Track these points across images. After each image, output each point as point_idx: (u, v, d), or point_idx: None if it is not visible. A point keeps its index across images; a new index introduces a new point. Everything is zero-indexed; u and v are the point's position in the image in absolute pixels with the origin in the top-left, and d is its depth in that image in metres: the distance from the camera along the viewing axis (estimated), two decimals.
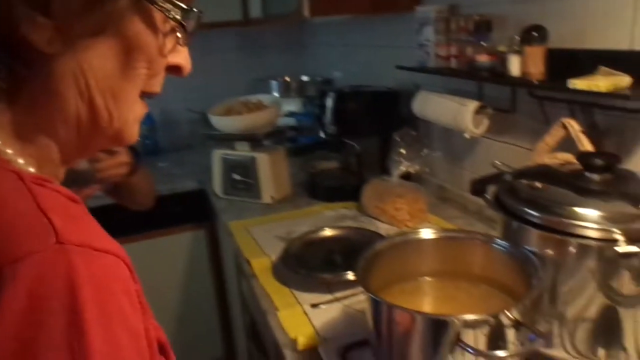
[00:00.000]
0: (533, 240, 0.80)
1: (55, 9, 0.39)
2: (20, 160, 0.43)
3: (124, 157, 1.12)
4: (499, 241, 0.81)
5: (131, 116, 0.48)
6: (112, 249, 0.38)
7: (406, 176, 1.59)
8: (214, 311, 2.22)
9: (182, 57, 0.50)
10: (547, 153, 1.11)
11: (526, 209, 0.80)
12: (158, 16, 0.44)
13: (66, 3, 0.40)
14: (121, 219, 2.00)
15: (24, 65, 0.40)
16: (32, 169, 0.43)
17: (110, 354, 0.34)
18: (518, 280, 0.77)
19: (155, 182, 2.09)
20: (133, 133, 0.50)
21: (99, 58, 0.43)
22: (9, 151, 0.42)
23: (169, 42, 0.47)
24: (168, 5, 0.44)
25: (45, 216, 0.36)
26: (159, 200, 2.05)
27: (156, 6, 0.43)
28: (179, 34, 0.46)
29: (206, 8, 1.79)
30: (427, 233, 0.82)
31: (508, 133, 1.34)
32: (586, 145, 1.02)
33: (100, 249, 0.37)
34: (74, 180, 1.08)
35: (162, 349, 0.43)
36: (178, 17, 0.45)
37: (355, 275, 0.74)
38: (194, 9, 0.46)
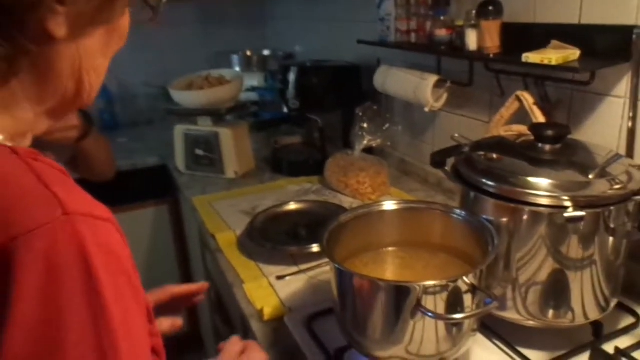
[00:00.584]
0: (489, 210, 0.84)
1: (69, 2, 0.43)
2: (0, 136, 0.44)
3: (73, 120, 1.10)
4: (457, 211, 0.84)
5: (100, 85, 0.53)
6: (108, 217, 0.41)
7: (369, 150, 1.62)
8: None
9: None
10: (502, 125, 1.16)
11: (483, 180, 0.83)
12: None
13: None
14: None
15: (32, 42, 0.42)
16: (7, 143, 0.44)
17: (121, 307, 0.38)
18: (475, 248, 0.80)
19: (116, 157, 2.06)
20: (90, 103, 0.53)
21: (92, 42, 0.47)
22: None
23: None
24: None
25: (48, 189, 0.38)
26: (119, 176, 2.01)
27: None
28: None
29: None
30: (389, 205, 0.84)
31: (466, 106, 1.38)
32: (539, 117, 1.06)
33: (100, 217, 0.40)
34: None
35: (147, 312, 0.47)
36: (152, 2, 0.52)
37: (320, 246, 0.76)
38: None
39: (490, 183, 0.82)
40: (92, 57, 0.48)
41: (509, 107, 1.13)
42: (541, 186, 0.79)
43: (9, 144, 0.44)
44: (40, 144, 1.06)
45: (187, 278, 2.20)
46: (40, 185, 0.38)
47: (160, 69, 2.54)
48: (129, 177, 2.00)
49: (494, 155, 0.90)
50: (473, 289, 0.71)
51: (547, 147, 0.86)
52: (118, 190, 2.01)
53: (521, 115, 1.11)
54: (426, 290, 0.68)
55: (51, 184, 0.38)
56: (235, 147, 1.70)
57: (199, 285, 0.88)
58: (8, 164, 0.39)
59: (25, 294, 0.34)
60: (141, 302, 0.43)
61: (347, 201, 1.48)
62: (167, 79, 2.12)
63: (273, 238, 1.21)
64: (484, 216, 0.84)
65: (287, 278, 1.09)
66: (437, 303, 0.70)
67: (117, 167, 1.97)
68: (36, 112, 0.47)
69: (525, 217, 0.81)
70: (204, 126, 1.71)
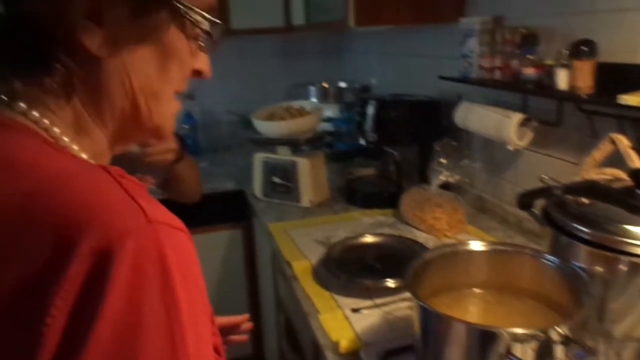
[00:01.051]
0: (582, 257, 0.81)
1: (106, 19, 0.45)
2: (83, 155, 0.49)
3: (171, 143, 1.18)
4: (548, 256, 0.81)
5: (168, 113, 0.54)
6: (183, 227, 0.45)
7: (445, 186, 1.60)
8: (245, 309, 2.26)
9: (204, 62, 0.56)
10: (594, 168, 1.11)
11: (576, 225, 0.80)
12: (189, 25, 0.50)
13: (115, 15, 0.46)
14: None
15: (78, 65, 0.46)
16: (84, 155, 0.49)
17: (190, 307, 0.42)
18: (566, 296, 0.77)
19: None
20: (170, 127, 0.56)
21: (141, 62, 0.49)
22: (75, 147, 0.48)
23: (196, 49, 0.53)
24: (198, 17, 0.50)
25: (135, 201, 0.42)
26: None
27: (189, 18, 0.50)
28: (202, 43, 0.53)
29: (249, 14, 1.85)
30: (476, 245, 0.83)
31: (553, 146, 1.33)
32: (635, 161, 1.01)
33: (176, 227, 0.44)
34: (125, 162, 1.15)
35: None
36: (206, 28, 0.51)
37: (404, 283, 0.75)
38: (219, 22, 0.52)
39: (584, 229, 0.79)
40: (145, 78, 0.50)
41: (602, 150, 1.08)
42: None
43: (91, 162, 0.49)
44: (137, 166, 1.15)
45: (254, 300, 2.24)
46: (128, 197, 0.42)
47: (241, 97, 2.67)
48: (207, 199, 2.08)
49: (588, 200, 0.87)
50: (566, 340, 0.68)
51: None
52: (196, 212, 2.11)
53: (614, 159, 1.06)
54: (516, 338, 0.66)
55: (136, 197, 0.42)
56: (311, 176, 1.74)
57: (242, 318, 0.91)
58: (102, 178, 0.44)
59: (115, 288, 0.38)
60: (207, 303, 0.46)
61: (421, 236, 1.47)
62: (247, 108, 2.22)
63: (349, 269, 1.22)
64: (576, 263, 0.81)
65: (363, 311, 1.09)
66: (525, 352, 0.67)
67: None
68: (104, 133, 0.51)
69: (623, 267, 0.77)
70: (283, 155, 1.76)
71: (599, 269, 0.79)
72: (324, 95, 2.47)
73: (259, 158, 1.82)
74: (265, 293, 2.04)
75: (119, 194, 0.42)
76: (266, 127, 1.72)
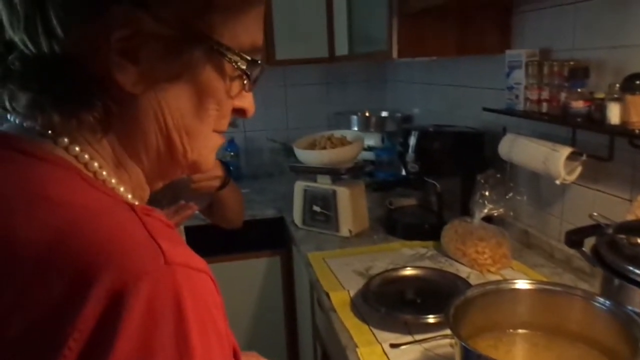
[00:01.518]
0: (637, 301, 0.77)
1: (141, 58, 0.46)
2: (121, 188, 0.50)
3: (217, 170, 1.21)
4: (600, 299, 0.78)
5: (205, 150, 0.54)
6: (203, 268, 0.45)
7: (488, 219, 1.56)
8: (282, 337, 2.25)
9: (247, 101, 0.55)
10: None
11: (630, 267, 0.76)
12: (227, 65, 0.50)
13: (150, 54, 0.46)
14: (205, 240, 2.11)
15: (114, 102, 0.47)
16: (129, 195, 0.50)
17: (205, 352, 0.41)
18: (620, 342, 0.73)
19: None
20: (208, 162, 0.56)
21: (175, 99, 0.49)
22: (113, 181, 0.49)
23: (236, 88, 0.52)
24: (236, 57, 0.50)
25: (155, 241, 0.42)
26: None
27: (226, 58, 0.49)
28: (244, 81, 0.52)
29: (294, 45, 1.90)
30: (522, 284, 0.80)
31: (604, 181, 1.29)
32: None
33: (196, 268, 0.44)
34: (171, 188, 1.18)
35: (234, 353, 0.50)
36: (244, 67, 0.50)
37: (446, 321, 0.73)
38: (258, 61, 0.52)
39: (639, 272, 0.75)
40: (180, 116, 0.50)
41: None
42: None
43: (130, 196, 0.50)
44: (182, 192, 1.17)
45: (292, 330, 2.23)
46: (149, 237, 0.42)
47: (284, 125, 2.71)
48: (247, 226, 2.10)
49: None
50: None
51: None
52: (236, 238, 2.14)
53: None
54: None
55: (158, 237, 0.43)
56: (351, 206, 1.73)
57: None
58: (126, 217, 0.44)
59: (127, 330, 0.38)
60: (224, 345, 0.45)
61: (464, 270, 1.43)
62: (289, 136, 2.26)
63: (388, 303, 1.19)
64: (630, 307, 0.77)
65: (402, 347, 1.06)
66: None
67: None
68: (141, 168, 0.52)
69: None
70: (323, 184, 1.77)
71: None
72: (365, 124, 2.48)
73: (300, 186, 1.83)
74: (302, 322, 2.02)
75: (140, 234, 0.43)
76: (307, 156, 1.74)
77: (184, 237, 1.33)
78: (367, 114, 2.57)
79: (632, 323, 0.73)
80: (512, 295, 0.80)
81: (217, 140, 0.56)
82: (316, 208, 1.78)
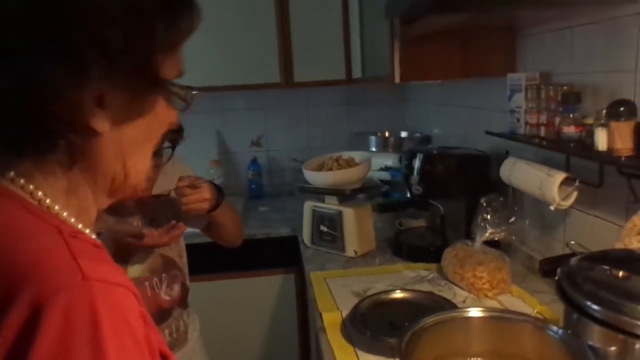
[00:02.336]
0: (594, 335, 0.76)
1: (110, 104, 0.53)
2: (65, 213, 0.56)
3: (206, 193, 1.24)
4: (554, 328, 0.77)
5: (143, 173, 0.61)
6: (123, 282, 0.50)
7: (494, 243, 1.55)
8: (297, 354, 2.27)
9: (175, 116, 0.62)
10: (635, 235, 1.04)
11: (587, 302, 0.76)
12: (172, 96, 0.59)
13: (118, 101, 0.54)
14: (221, 257, 2.18)
15: (81, 138, 0.54)
16: (72, 219, 0.56)
17: (121, 355, 0.46)
18: None
19: (254, 225, 2.25)
20: (141, 187, 0.62)
21: (133, 132, 0.56)
22: (57, 207, 0.56)
23: (175, 113, 0.61)
24: (178, 88, 0.59)
25: (75, 260, 0.49)
26: (254, 242, 2.20)
27: (173, 91, 0.58)
28: (178, 104, 0.60)
29: (314, 68, 1.98)
30: (475, 312, 0.81)
31: (599, 207, 1.26)
32: None
33: (114, 283, 0.50)
34: (165, 207, 1.25)
35: (164, 357, 0.54)
36: (183, 95, 0.60)
37: (397, 350, 0.75)
38: (193, 88, 0.60)
39: (595, 307, 0.75)
40: (135, 145, 0.57)
41: None
42: None
43: (73, 220, 0.56)
44: (176, 212, 1.23)
45: (305, 347, 2.25)
46: (70, 257, 0.49)
47: (306, 145, 2.77)
48: (261, 244, 2.17)
49: (608, 273, 0.82)
50: None
51: None
52: (250, 255, 2.20)
53: None
54: None
55: (78, 256, 0.49)
56: (356, 226, 1.75)
57: None
58: (52, 239, 0.51)
59: (45, 338, 0.44)
60: (144, 352, 0.50)
61: (461, 294, 1.42)
62: (311, 155, 2.30)
63: (374, 326, 1.21)
64: (589, 341, 0.76)
65: None
66: None
67: (254, 234, 2.17)
68: (95, 193, 0.58)
69: (637, 349, 0.72)
70: (330, 204, 1.81)
71: (611, 349, 0.74)
72: (384, 145, 2.50)
73: (309, 206, 1.87)
74: (314, 340, 2.05)
75: (61, 254, 0.49)
76: (314, 177, 1.78)
77: (183, 255, 1.39)
78: (386, 134, 2.59)
79: (583, 353, 0.72)
80: (467, 323, 0.81)
81: (150, 167, 0.62)
82: (323, 228, 1.82)
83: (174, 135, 1.15)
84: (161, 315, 1.26)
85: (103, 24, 0.51)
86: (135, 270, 1.22)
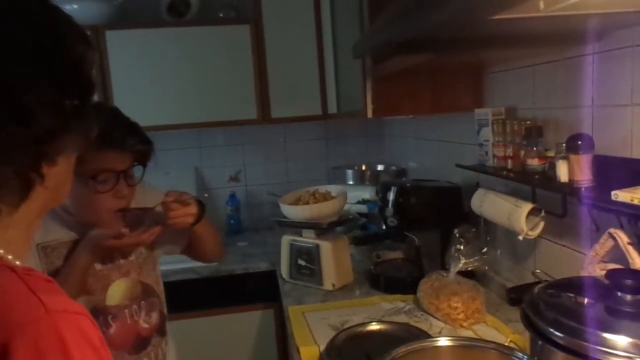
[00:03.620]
0: None
1: (58, 162, 0.60)
2: (10, 256, 0.59)
3: (192, 208, 1.27)
4: (519, 354, 0.80)
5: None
6: (81, 311, 0.55)
7: (469, 273, 1.57)
8: None
9: None
10: (597, 263, 1.08)
11: (550, 329, 0.78)
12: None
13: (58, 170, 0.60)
14: (200, 293, 2.17)
15: (25, 189, 0.58)
16: (10, 256, 0.58)
17: None
18: None
19: (233, 260, 2.25)
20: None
21: (64, 170, 0.62)
22: (1, 251, 0.58)
23: None
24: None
25: (35, 295, 0.52)
26: (234, 277, 2.19)
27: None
28: None
29: (293, 105, 2.03)
30: (443, 341, 0.83)
31: (564, 237, 1.31)
32: (634, 258, 0.97)
33: (74, 312, 0.53)
34: (150, 218, 1.27)
35: None
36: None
37: None
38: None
39: (558, 334, 0.77)
40: (66, 178, 0.63)
41: (604, 244, 1.06)
42: (616, 344, 0.72)
43: (10, 257, 0.58)
44: (162, 218, 1.24)
45: None
46: (30, 293, 0.52)
47: (284, 179, 2.80)
48: (241, 279, 2.17)
49: (571, 300, 0.85)
50: None
51: (628, 297, 0.79)
52: (229, 291, 2.19)
53: (621, 253, 1.03)
54: None
55: (37, 291, 0.52)
56: (334, 259, 1.77)
57: None
58: (8, 278, 0.54)
59: None
60: None
61: (437, 325, 1.44)
62: (289, 189, 2.33)
63: (350, 359, 1.21)
64: None
65: None
66: None
67: (233, 270, 2.17)
68: (26, 222, 0.61)
69: None
70: (308, 238, 1.82)
71: None
72: (361, 178, 2.54)
73: (286, 240, 1.88)
74: None
75: (21, 291, 0.52)
76: (291, 211, 1.80)
77: (160, 283, 1.37)
78: (363, 168, 2.63)
79: None
80: (437, 352, 0.83)
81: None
82: (301, 262, 1.83)
83: (144, 149, 1.16)
84: (140, 343, 1.25)
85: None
86: (115, 297, 1.22)
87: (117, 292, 1.22)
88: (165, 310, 1.36)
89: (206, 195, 2.67)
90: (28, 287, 0.52)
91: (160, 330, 1.32)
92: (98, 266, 1.20)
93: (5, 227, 0.59)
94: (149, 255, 1.32)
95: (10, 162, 0.55)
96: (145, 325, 1.26)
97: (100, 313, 1.18)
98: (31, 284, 0.53)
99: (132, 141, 1.14)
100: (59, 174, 0.61)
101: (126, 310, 1.23)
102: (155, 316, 1.30)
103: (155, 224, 1.29)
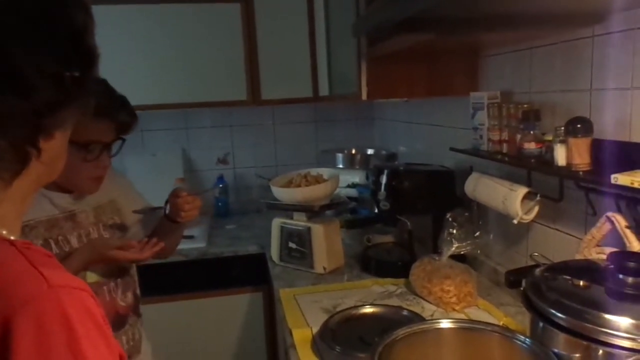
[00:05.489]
0: (559, 343, 0.78)
1: (55, 136, 0.58)
2: (4, 231, 0.56)
3: (199, 202, 1.32)
4: (520, 337, 0.79)
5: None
6: (83, 286, 0.53)
7: (461, 257, 1.57)
8: None
9: None
10: (594, 247, 1.08)
11: (552, 310, 0.78)
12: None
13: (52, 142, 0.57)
14: (187, 276, 2.14)
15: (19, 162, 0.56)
16: (4, 231, 0.56)
17: (94, 349, 0.50)
18: None
19: (221, 243, 2.23)
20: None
21: (60, 144, 0.60)
22: None
23: None
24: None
25: (37, 270, 0.50)
26: (222, 260, 2.18)
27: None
28: None
29: (281, 86, 2.01)
30: (445, 323, 0.82)
31: (560, 221, 1.31)
32: (632, 242, 0.98)
33: (77, 287, 0.52)
34: (159, 217, 1.31)
35: (121, 358, 0.57)
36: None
37: None
38: None
39: (560, 315, 0.77)
40: (56, 150, 0.60)
41: (600, 228, 1.06)
42: (618, 325, 0.72)
43: (5, 232, 0.56)
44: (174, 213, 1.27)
45: None
46: (31, 267, 0.50)
47: (273, 162, 2.77)
48: (229, 262, 2.14)
49: (570, 282, 0.85)
50: None
51: (630, 279, 0.79)
52: (218, 274, 2.16)
53: (618, 236, 1.03)
54: None
55: (38, 265, 0.51)
56: (325, 242, 1.76)
57: None
58: (8, 252, 0.52)
59: (23, 348, 0.45)
60: (112, 346, 0.53)
61: (429, 308, 1.44)
62: (277, 172, 2.31)
63: (344, 341, 1.20)
64: (555, 349, 0.78)
65: None
66: None
67: (221, 253, 2.15)
68: (24, 198, 0.59)
69: (600, 354, 0.74)
70: (299, 221, 1.80)
71: (576, 355, 0.76)
72: (350, 162, 2.52)
73: (277, 223, 1.86)
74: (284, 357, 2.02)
75: (22, 265, 0.50)
76: (282, 194, 1.78)
77: (134, 274, 1.36)
78: (353, 152, 2.62)
79: None
80: (438, 334, 0.82)
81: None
82: (292, 245, 1.81)
83: (130, 122, 1.17)
84: (118, 321, 1.26)
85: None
86: (94, 274, 1.22)
87: (95, 269, 1.22)
88: (138, 292, 1.37)
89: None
90: (28, 261, 0.51)
91: (136, 311, 1.33)
92: (74, 244, 1.18)
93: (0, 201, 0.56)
94: (122, 236, 1.32)
95: (7, 134, 0.53)
96: (122, 304, 1.28)
97: None
98: (31, 257, 0.51)
99: (123, 114, 1.15)
100: (55, 148, 0.59)
101: (105, 287, 1.24)
102: (130, 296, 1.31)
103: (166, 222, 1.35)
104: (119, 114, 1.13)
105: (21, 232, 1.08)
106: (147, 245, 1.21)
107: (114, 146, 1.19)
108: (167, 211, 1.34)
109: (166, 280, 2.08)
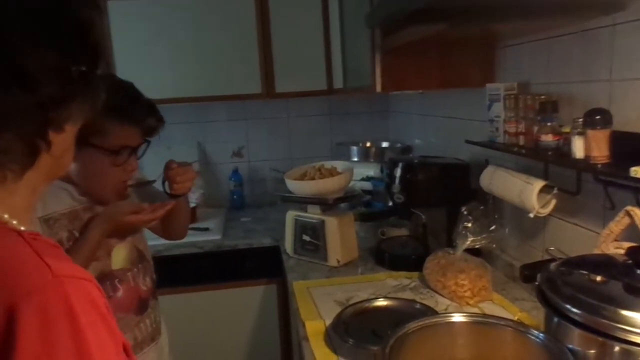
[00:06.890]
0: (574, 338, 0.77)
1: (65, 130, 0.58)
2: (14, 221, 0.57)
3: (193, 172, 1.34)
4: (534, 332, 0.78)
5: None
6: (88, 277, 0.54)
7: (475, 251, 1.56)
8: None
9: None
10: (612, 241, 1.06)
11: (567, 306, 0.77)
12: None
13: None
14: (202, 268, 2.16)
15: (27, 156, 0.56)
16: (14, 221, 0.57)
17: (97, 339, 0.50)
18: None
19: (235, 236, 2.24)
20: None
21: (69, 138, 0.61)
22: (6, 216, 0.57)
23: None
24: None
25: (42, 260, 0.51)
26: (236, 252, 2.19)
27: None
28: None
29: (298, 79, 2.01)
30: (458, 317, 0.81)
31: (577, 215, 1.28)
32: None
33: (81, 277, 0.52)
34: (155, 190, 1.32)
35: (125, 349, 0.57)
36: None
37: (381, 355, 0.75)
38: None
39: (575, 310, 0.76)
40: (66, 144, 0.61)
41: (619, 222, 1.03)
42: (636, 322, 0.71)
43: (15, 222, 0.56)
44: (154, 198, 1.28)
45: (287, 358, 2.23)
46: (37, 257, 0.51)
47: (287, 155, 2.77)
48: (243, 254, 2.16)
49: (587, 277, 0.83)
50: None
51: None
52: (232, 266, 2.18)
53: (638, 231, 1.01)
54: None
55: (44, 256, 0.51)
56: (340, 235, 1.75)
57: None
58: (15, 242, 0.53)
59: (27, 337, 0.46)
60: (116, 336, 0.54)
61: (443, 303, 1.43)
62: (292, 165, 2.30)
63: (357, 334, 1.20)
64: (569, 345, 0.77)
65: None
66: None
67: (236, 245, 2.16)
68: (31, 186, 0.60)
69: (616, 351, 0.73)
70: (313, 213, 1.80)
71: (591, 352, 0.75)
72: (365, 155, 2.51)
73: (291, 215, 1.87)
74: (296, 350, 2.03)
75: (27, 255, 0.51)
76: (296, 186, 1.78)
77: (148, 249, 1.38)
78: (367, 145, 2.60)
79: (564, 356, 0.73)
80: (450, 328, 0.81)
81: None
82: (306, 237, 1.81)
83: (157, 127, 1.19)
84: (142, 305, 1.28)
85: None
86: (118, 262, 1.24)
87: (120, 256, 1.24)
88: (155, 276, 1.39)
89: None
90: (34, 251, 0.51)
91: (154, 295, 1.36)
92: None
93: (10, 193, 0.57)
94: None
95: (15, 127, 0.54)
96: (144, 288, 1.30)
97: (107, 277, 1.20)
98: (37, 247, 0.52)
99: (152, 120, 1.17)
100: (64, 141, 0.59)
101: (129, 273, 1.26)
102: (149, 280, 1.33)
103: (159, 195, 1.34)
104: (146, 119, 1.15)
105: (46, 224, 1.11)
106: (158, 206, 1.23)
107: (139, 149, 1.21)
108: (165, 187, 1.34)
109: (181, 272, 2.11)
